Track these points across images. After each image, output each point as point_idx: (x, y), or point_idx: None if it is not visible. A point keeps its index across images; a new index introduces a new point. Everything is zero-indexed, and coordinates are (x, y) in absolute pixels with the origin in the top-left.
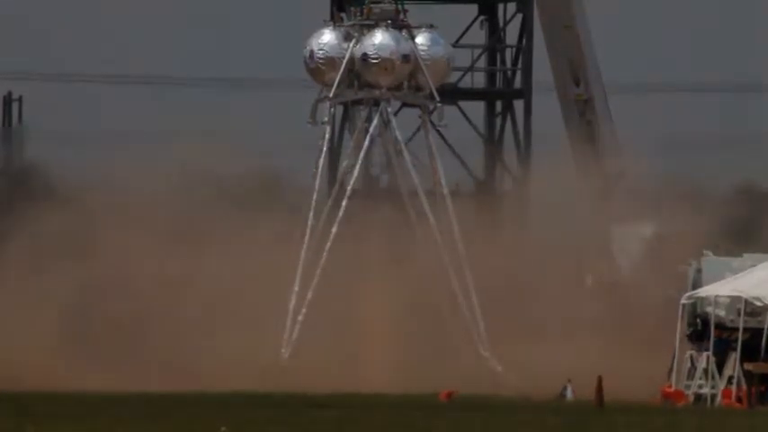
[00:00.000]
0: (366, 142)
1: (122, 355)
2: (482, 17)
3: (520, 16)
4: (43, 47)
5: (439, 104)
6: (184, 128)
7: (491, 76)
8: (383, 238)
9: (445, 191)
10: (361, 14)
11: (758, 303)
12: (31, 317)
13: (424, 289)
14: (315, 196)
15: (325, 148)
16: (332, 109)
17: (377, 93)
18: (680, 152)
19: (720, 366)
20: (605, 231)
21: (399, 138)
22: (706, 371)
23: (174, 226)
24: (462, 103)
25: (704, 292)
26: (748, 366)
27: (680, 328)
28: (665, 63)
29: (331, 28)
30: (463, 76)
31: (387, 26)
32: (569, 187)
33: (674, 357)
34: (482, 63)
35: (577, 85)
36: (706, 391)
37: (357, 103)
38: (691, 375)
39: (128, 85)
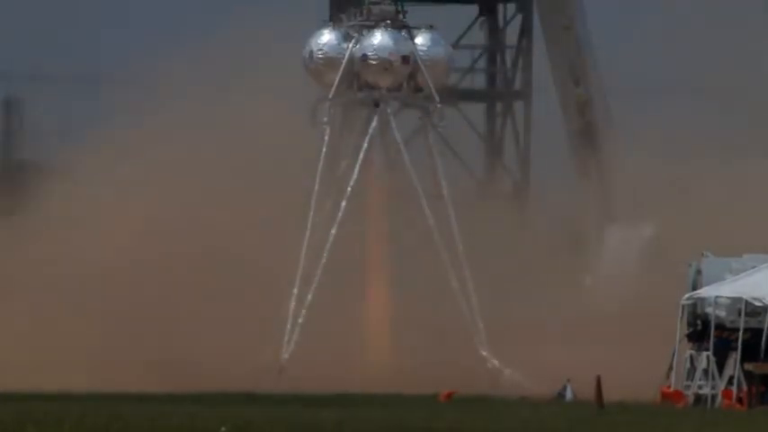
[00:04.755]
0: (365, 143)
1: (121, 353)
2: (482, 18)
3: (520, 17)
4: (43, 47)
5: (439, 105)
6: (184, 128)
7: (491, 77)
8: (383, 239)
9: (445, 191)
10: (361, 15)
11: (758, 304)
12: (25, 308)
13: (424, 289)
14: (314, 197)
15: (324, 149)
16: (331, 110)
17: (376, 93)
18: (680, 152)
19: (720, 367)
20: (605, 231)
21: (399, 139)
22: (706, 371)
23: (172, 225)
24: (462, 104)
25: (704, 292)
26: (749, 367)
27: (679, 329)
28: (665, 63)
29: (330, 28)
30: (463, 77)
31: (386, 26)
32: (569, 187)
33: (673, 357)
34: (482, 64)
35: (577, 85)
36: (706, 391)
37: (356, 103)
38: (690, 376)
39: (127, 84)
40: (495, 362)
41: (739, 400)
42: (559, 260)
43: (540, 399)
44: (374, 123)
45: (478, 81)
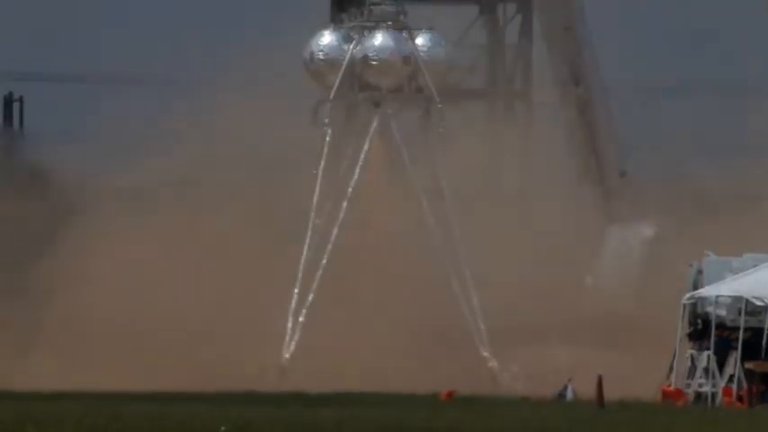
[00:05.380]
0: (366, 144)
1: (121, 354)
2: (482, 17)
3: (520, 17)
4: (43, 47)
5: (439, 106)
6: (184, 129)
7: (491, 77)
8: (383, 239)
9: (445, 191)
10: (362, 15)
11: (759, 303)
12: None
13: (424, 289)
14: (316, 198)
15: (325, 150)
16: (332, 111)
17: (377, 94)
18: (680, 152)
19: (721, 365)
20: (605, 232)
21: (399, 139)
22: (706, 370)
23: (174, 226)
24: (463, 104)
25: (705, 292)
26: (749, 365)
27: (680, 328)
28: (665, 63)
29: (331, 29)
30: (464, 77)
31: (387, 27)
32: (570, 187)
33: (674, 356)
34: (482, 63)
35: (577, 85)
36: (706, 389)
37: (357, 104)
38: (691, 374)
39: (127, 85)
40: (495, 363)
41: (739, 398)
42: (560, 260)
43: (540, 399)
44: (375, 124)
45: (479, 81)
